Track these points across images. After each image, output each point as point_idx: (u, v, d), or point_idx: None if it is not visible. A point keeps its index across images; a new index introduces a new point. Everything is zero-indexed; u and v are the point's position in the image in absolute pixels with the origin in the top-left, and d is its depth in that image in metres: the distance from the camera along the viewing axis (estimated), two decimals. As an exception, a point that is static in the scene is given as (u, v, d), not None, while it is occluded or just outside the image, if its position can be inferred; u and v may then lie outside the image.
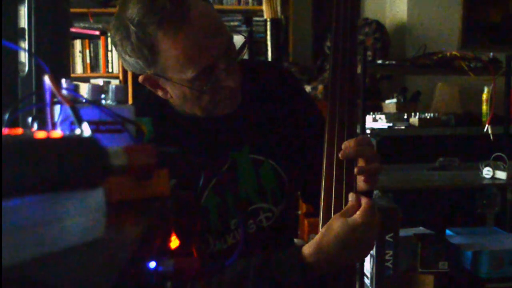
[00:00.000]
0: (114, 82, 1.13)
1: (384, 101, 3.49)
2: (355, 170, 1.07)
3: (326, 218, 1.09)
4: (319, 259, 1.01)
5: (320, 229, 1.08)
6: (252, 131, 1.20)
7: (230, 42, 1.07)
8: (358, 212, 1.01)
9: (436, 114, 3.08)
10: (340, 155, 1.08)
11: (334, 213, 1.08)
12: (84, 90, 0.64)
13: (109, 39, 3.78)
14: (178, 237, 0.67)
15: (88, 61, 3.81)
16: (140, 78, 1.09)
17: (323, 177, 1.11)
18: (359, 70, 2.52)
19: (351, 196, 1.06)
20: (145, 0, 1.00)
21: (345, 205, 1.08)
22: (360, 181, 1.09)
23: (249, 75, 1.19)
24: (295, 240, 1.42)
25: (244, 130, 1.20)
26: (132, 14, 1.01)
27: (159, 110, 1.16)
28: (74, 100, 0.59)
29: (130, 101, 3.24)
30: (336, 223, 1.01)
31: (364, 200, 1.03)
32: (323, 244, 1.01)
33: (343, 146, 1.08)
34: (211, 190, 1.15)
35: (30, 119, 0.61)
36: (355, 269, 1.13)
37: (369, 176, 1.08)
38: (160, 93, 1.12)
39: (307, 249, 1.02)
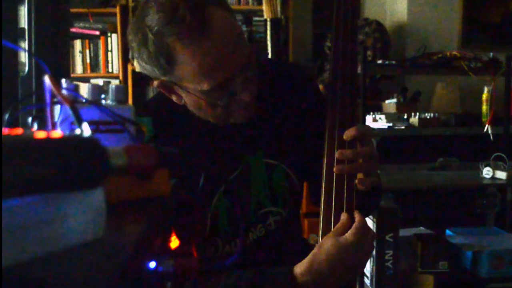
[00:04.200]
0: (114, 82, 1.13)
1: (384, 101, 3.48)
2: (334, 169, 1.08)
3: (326, 218, 1.09)
4: (310, 279, 1.02)
5: (320, 229, 1.09)
6: (268, 135, 1.19)
7: (249, 56, 1.05)
8: (349, 231, 1.02)
9: (436, 114, 3.08)
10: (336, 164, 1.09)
11: (334, 213, 1.08)
12: (84, 90, 0.64)
13: (109, 39, 3.78)
14: (178, 237, 0.67)
15: (88, 61, 3.81)
16: (155, 83, 1.08)
17: (323, 178, 1.11)
18: (359, 70, 2.52)
19: (343, 216, 1.06)
20: (165, 9, 0.98)
21: (346, 206, 1.08)
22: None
23: (267, 77, 1.18)
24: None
25: (259, 134, 1.19)
26: (152, 22, 0.99)
27: (173, 111, 1.15)
28: (74, 100, 0.59)
29: (130, 101, 3.24)
30: (328, 242, 1.02)
31: (357, 218, 1.04)
32: (315, 263, 1.02)
33: (338, 155, 1.08)
34: (222, 194, 1.15)
35: (30, 119, 0.61)
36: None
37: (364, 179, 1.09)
38: (174, 98, 1.11)
39: (298, 268, 1.03)
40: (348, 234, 1.01)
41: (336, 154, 1.08)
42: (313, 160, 1.23)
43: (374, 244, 1.10)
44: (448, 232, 1.62)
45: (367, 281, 1.23)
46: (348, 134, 1.08)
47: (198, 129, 1.15)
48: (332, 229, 1.06)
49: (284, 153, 1.20)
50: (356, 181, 1.08)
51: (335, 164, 1.10)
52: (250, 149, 1.18)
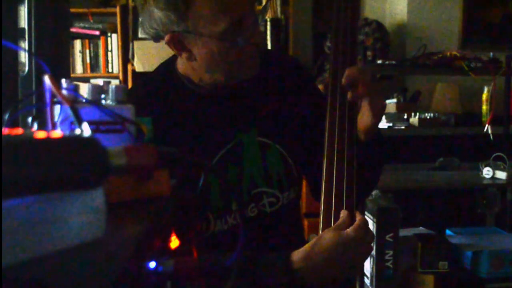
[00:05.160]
0: (114, 82, 1.13)
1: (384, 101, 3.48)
2: (349, 95, 1.09)
3: (327, 217, 1.09)
4: (306, 267, 1.01)
5: (320, 230, 1.09)
6: (262, 114, 1.20)
7: None
8: (351, 227, 1.02)
9: (436, 114, 3.08)
10: (343, 80, 1.09)
11: (334, 213, 1.09)
12: (84, 90, 0.64)
13: (109, 39, 3.78)
14: (178, 237, 0.67)
15: (88, 61, 3.81)
16: (167, 38, 1.09)
17: (324, 176, 1.11)
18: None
19: (343, 213, 1.06)
20: None
21: (346, 206, 1.08)
22: (365, 115, 1.10)
23: (264, 61, 1.19)
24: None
25: (253, 113, 1.20)
26: None
27: (169, 83, 1.17)
28: (74, 100, 0.59)
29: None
30: (329, 234, 1.02)
31: (358, 217, 1.04)
32: (313, 252, 1.02)
33: (346, 72, 1.09)
34: (214, 166, 1.15)
35: (30, 119, 0.61)
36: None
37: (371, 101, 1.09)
38: (184, 55, 1.11)
39: (296, 254, 1.03)
40: (350, 230, 1.01)
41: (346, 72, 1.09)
42: (308, 146, 1.23)
43: (373, 245, 1.11)
44: (448, 232, 1.62)
45: (367, 281, 1.23)
46: (349, 73, 1.08)
47: (192, 102, 1.16)
48: None
49: (278, 133, 1.21)
50: (366, 107, 1.09)
51: (335, 165, 1.10)
52: (243, 127, 1.18)
